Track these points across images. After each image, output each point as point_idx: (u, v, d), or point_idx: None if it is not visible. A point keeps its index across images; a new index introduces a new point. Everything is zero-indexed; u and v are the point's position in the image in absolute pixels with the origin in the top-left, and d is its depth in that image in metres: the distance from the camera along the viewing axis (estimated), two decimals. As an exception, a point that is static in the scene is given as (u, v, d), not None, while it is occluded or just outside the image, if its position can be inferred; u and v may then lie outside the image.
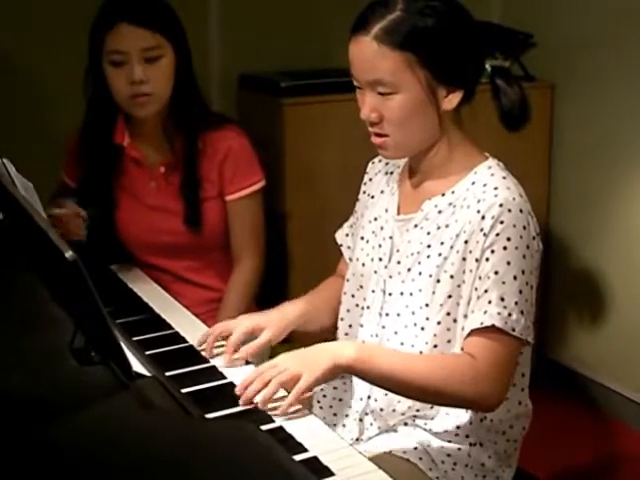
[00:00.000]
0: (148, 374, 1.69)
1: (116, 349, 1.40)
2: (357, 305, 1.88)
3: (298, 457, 1.45)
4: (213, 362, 1.80)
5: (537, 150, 3.28)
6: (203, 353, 1.85)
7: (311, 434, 1.53)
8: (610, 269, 3.19)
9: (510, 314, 1.62)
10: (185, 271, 2.44)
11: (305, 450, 1.48)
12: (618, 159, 3.10)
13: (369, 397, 1.81)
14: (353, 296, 1.89)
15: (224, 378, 1.73)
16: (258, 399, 1.59)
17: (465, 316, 1.67)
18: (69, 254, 1.25)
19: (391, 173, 1.88)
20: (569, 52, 3.21)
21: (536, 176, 3.28)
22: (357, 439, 1.82)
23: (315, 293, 1.99)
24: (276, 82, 3.01)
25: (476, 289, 1.65)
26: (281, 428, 1.54)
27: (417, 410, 1.76)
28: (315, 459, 1.45)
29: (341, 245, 2.00)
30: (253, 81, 3.15)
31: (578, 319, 3.35)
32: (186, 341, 1.90)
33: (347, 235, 1.99)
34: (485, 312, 1.62)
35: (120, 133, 2.37)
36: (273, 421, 1.56)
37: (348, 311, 1.90)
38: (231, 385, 1.68)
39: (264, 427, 1.53)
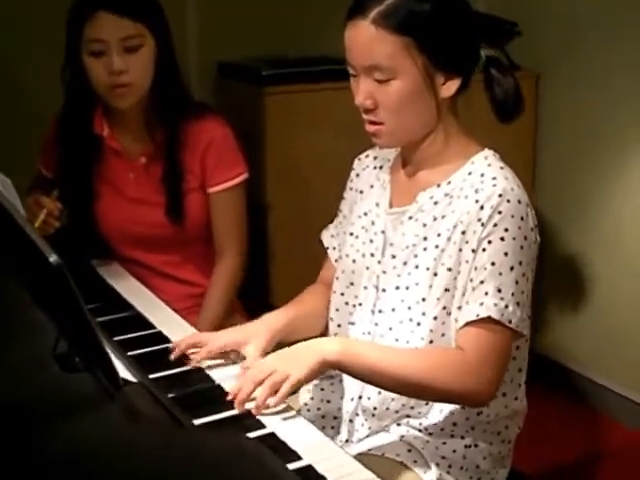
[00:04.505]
0: (133, 379, 1.64)
1: (103, 356, 1.35)
2: (347, 303, 1.83)
3: (292, 465, 1.40)
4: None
5: (522, 140, 3.25)
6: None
7: (304, 441, 1.49)
8: (597, 261, 3.17)
9: (507, 305, 1.59)
10: (164, 265, 2.39)
11: (299, 458, 1.43)
12: (604, 149, 3.08)
13: (360, 397, 1.77)
14: (343, 294, 1.84)
15: (212, 381, 1.69)
16: (252, 405, 1.55)
17: (459, 308, 1.64)
18: (53, 259, 1.20)
19: (380, 167, 1.84)
20: (554, 41, 3.19)
21: (521, 166, 3.21)
22: (346, 440, 1.78)
23: (298, 302, 1.92)
24: (257, 70, 2.94)
25: (471, 280, 1.62)
26: (273, 434, 1.50)
27: (411, 408, 1.72)
28: (310, 467, 1.41)
29: (327, 248, 1.94)
30: (233, 69, 3.09)
31: (564, 312, 3.33)
32: (170, 341, 1.85)
33: (332, 236, 1.94)
34: (481, 304, 1.59)
35: (99, 123, 2.31)
36: (264, 427, 1.52)
37: (337, 310, 1.85)
38: (219, 389, 1.64)
39: (255, 433, 1.49)
